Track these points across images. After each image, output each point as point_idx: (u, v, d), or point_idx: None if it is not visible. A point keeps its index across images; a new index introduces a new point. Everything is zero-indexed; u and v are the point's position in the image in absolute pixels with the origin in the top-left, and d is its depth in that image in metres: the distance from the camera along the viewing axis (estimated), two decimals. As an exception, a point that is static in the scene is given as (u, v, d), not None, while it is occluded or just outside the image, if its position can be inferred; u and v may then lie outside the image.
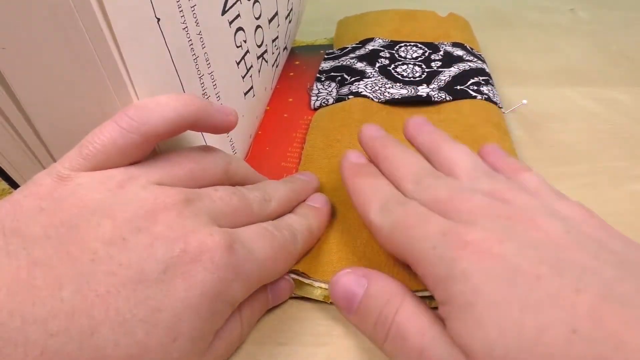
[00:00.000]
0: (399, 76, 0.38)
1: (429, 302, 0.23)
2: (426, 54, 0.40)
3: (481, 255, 0.18)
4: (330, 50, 0.44)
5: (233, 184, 0.23)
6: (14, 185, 0.23)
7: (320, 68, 0.42)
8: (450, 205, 0.21)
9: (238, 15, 0.28)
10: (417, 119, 0.27)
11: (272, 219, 0.23)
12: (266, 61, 0.35)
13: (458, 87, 0.36)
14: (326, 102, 0.37)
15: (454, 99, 0.35)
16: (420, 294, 0.23)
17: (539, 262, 0.17)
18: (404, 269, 0.23)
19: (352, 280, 0.21)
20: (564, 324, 0.15)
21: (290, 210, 0.25)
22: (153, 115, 0.19)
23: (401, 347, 0.19)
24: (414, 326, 0.19)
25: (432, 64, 0.39)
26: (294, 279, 0.24)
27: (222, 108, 0.22)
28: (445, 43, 0.42)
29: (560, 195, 0.22)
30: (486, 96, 0.35)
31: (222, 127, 0.22)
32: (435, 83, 0.37)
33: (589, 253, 0.18)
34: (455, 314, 0.17)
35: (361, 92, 0.36)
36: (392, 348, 0.19)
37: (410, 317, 0.19)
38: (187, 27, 0.22)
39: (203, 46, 0.24)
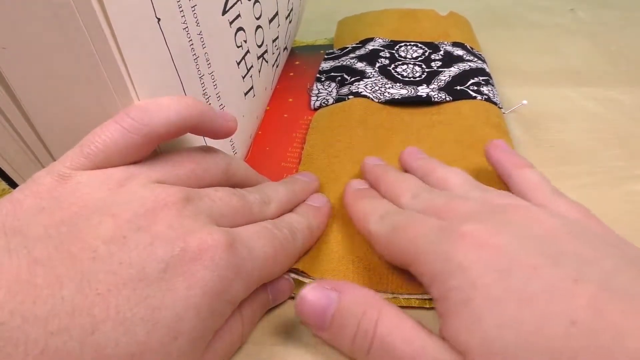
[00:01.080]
0: (399, 76, 0.38)
1: (428, 303, 0.23)
2: (426, 54, 0.40)
3: (477, 245, 0.18)
4: (330, 50, 0.44)
5: (233, 185, 0.23)
6: (14, 185, 0.23)
7: (320, 68, 0.42)
8: (445, 209, 0.21)
9: (238, 15, 0.28)
10: (411, 149, 0.29)
11: None
12: (266, 61, 0.35)
13: (458, 88, 0.36)
14: (326, 102, 0.37)
15: (454, 100, 0.35)
16: (419, 296, 0.23)
17: (536, 253, 0.17)
18: (401, 270, 0.23)
19: (320, 294, 0.19)
20: (563, 316, 0.15)
21: (290, 210, 0.25)
22: (155, 117, 0.19)
23: (389, 359, 0.18)
24: (399, 336, 0.18)
25: (432, 64, 0.39)
26: (293, 279, 0.24)
27: (223, 114, 0.22)
28: (446, 43, 0.42)
29: (559, 194, 0.22)
30: (486, 96, 0.35)
31: (222, 132, 0.22)
32: (435, 83, 0.37)
33: (587, 244, 0.18)
34: (452, 310, 0.17)
35: (361, 92, 0.36)
36: None
37: (392, 327, 0.18)
38: (187, 27, 0.22)
39: (203, 46, 0.24)
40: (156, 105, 0.19)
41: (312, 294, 0.19)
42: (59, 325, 0.15)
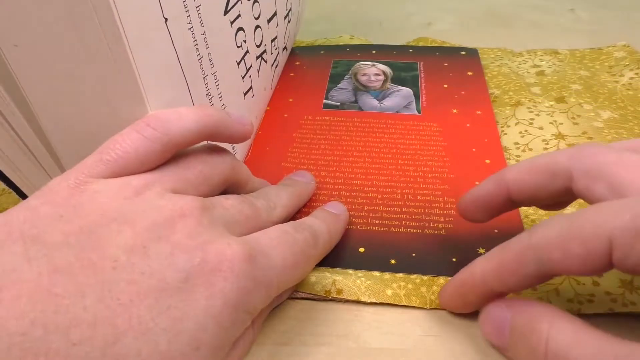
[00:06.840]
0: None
1: (429, 303, 0.23)
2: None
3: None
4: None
5: (238, 181, 0.23)
6: (12, 186, 0.23)
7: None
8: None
9: (239, 16, 0.28)
10: None
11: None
12: (265, 61, 0.35)
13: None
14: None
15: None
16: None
17: None
18: None
19: (497, 312, 0.20)
20: None
21: (294, 212, 0.25)
22: (174, 126, 0.19)
23: None
24: (576, 354, 0.16)
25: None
26: None
27: (240, 118, 0.22)
28: None
29: None
30: None
31: (239, 137, 0.22)
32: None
33: None
34: None
35: None
36: None
37: (567, 343, 0.17)
38: (192, 27, 0.22)
39: (207, 46, 0.24)
40: (175, 114, 0.19)
41: (492, 311, 0.20)
42: (81, 335, 0.14)
